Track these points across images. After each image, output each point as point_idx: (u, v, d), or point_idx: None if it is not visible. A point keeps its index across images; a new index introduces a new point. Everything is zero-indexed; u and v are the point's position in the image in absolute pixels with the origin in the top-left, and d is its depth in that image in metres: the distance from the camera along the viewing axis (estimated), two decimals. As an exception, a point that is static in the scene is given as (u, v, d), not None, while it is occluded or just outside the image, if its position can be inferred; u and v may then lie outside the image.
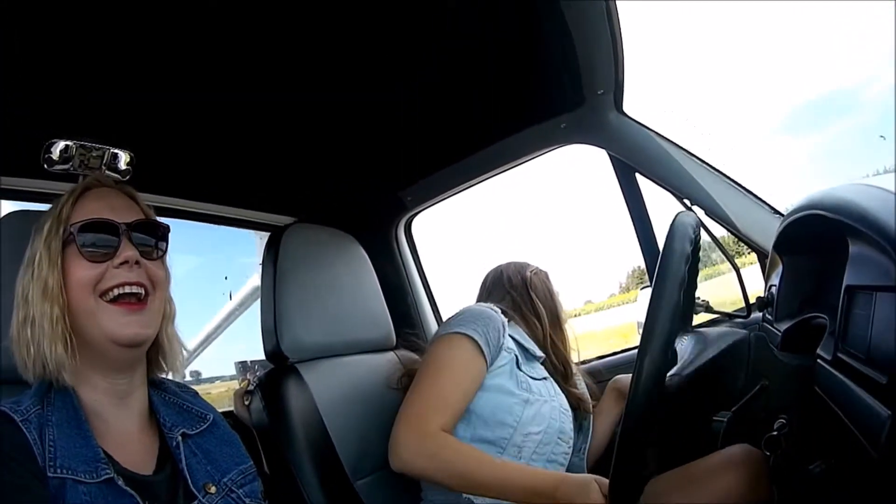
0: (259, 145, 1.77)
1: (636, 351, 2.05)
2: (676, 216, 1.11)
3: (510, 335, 1.62)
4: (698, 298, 1.42)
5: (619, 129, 1.86)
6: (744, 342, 1.02)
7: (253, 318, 1.71)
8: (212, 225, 2.17)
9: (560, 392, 1.64)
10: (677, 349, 1.23)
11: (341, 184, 2.15)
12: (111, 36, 1.16)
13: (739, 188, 1.79)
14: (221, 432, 1.20)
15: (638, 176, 1.90)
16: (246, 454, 1.21)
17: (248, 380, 1.67)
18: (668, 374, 0.97)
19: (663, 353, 0.90)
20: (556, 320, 1.76)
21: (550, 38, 1.46)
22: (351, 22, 1.29)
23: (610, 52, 1.57)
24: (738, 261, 1.65)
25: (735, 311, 1.70)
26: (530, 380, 1.57)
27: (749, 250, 1.75)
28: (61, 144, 1.31)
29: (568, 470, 1.57)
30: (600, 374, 1.98)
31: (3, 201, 1.55)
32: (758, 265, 1.74)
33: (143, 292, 1.05)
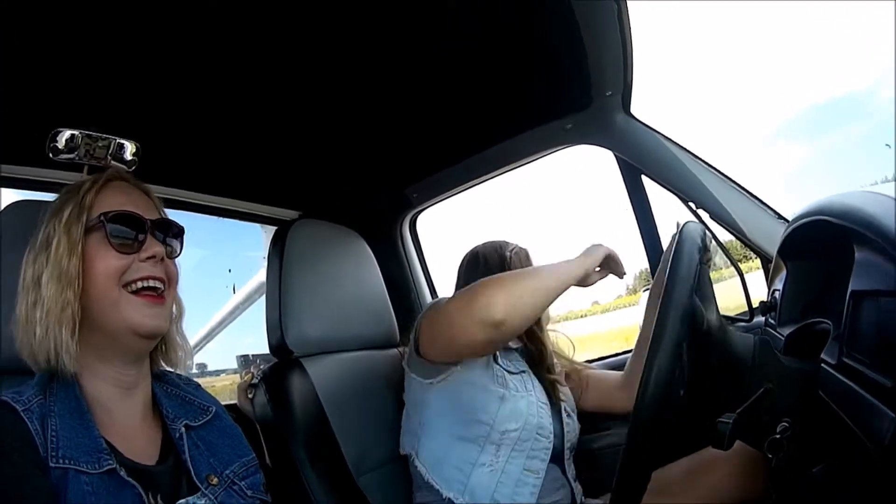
0: (266, 139, 1.77)
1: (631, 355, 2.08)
2: (685, 224, 1.11)
3: None
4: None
5: (626, 131, 1.86)
6: (748, 345, 1.02)
7: (262, 312, 1.71)
8: (216, 217, 2.17)
9: (538, 385, 1.63)
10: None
11: (347, 179, 2.16)
12: (120, 25, 1.16)
13: (744, 192, 1.79)
14: (223, 424, 1.21)
15: (644, 178, 1.90)
16: (248, 447, 1.22)
17: (252, 373, 1.68)
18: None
19: (671, 363, 0.90)
20: None
21: (560, 38, 1.46)
22: (360, 17, 1.29)
23: (619, 54, 1.57)
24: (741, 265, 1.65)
25: (738, 315, 1.70)
26: (506, 374, 1.56)
27: (752, 256, 1.76)
28: (67, 133, 1.31)
29: (553, 459, 1.56)
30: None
31: (3, 189, 1.55)
32: (759, 271, 1.74)
33: (162, 287, 1.08)
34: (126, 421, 1.06)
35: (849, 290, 0.78)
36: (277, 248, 1.71)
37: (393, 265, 2.40)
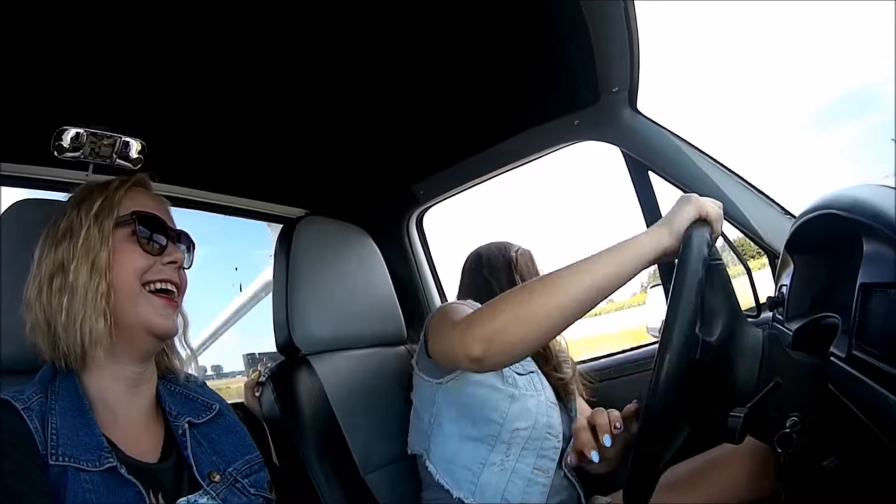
0: (272, 136, 1.77)
1: (635, 352, 2.08)
2: (692, 225, 1.11)
3: None
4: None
5: (633, 127, 1.87)
6: (757, 340, 1.02)
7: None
8: (222, 215, 2.17)
9: (547, 385, 1.62)
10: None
11: (354, 176, 2.16)
12: (125, 23, 1.17)
13: (751, 188, 1.79)
14: (227, 422, 1.22)
15: (650, 174, 1.90)
16: (252, 444, 1.23)
17: (260, 371, 1.68)
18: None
19: (680, 360, 0.90)
20: None
21: (567, 34, 1.46)
22: (366, 13, 1.29)
23: (626, 50, 1.57)
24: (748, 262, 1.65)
25: (745, 310, 1.70)
26: (515, 374, 1.55)
27: (759, 252, 1.75)
28: (72, 132, 1.32)
29: (562, 458, 1.55)
30: (605, 373, 2.00)
31: (3, 188, 1.55)
32: (766, 269, 1.74)
33: (175, 291, 1.12)
34: (129, 419, 1.07)
35: (858, 283, 0.78)
36: (284, 246, 1.71)
37: (399, 262, 2.40)
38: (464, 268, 1.86)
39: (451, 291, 2.51)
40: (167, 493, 1.01)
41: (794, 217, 1.50)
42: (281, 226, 1.85)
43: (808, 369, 0.94)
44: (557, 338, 1.72)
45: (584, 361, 2.14)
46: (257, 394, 1.64)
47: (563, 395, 1.66)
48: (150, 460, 1.04)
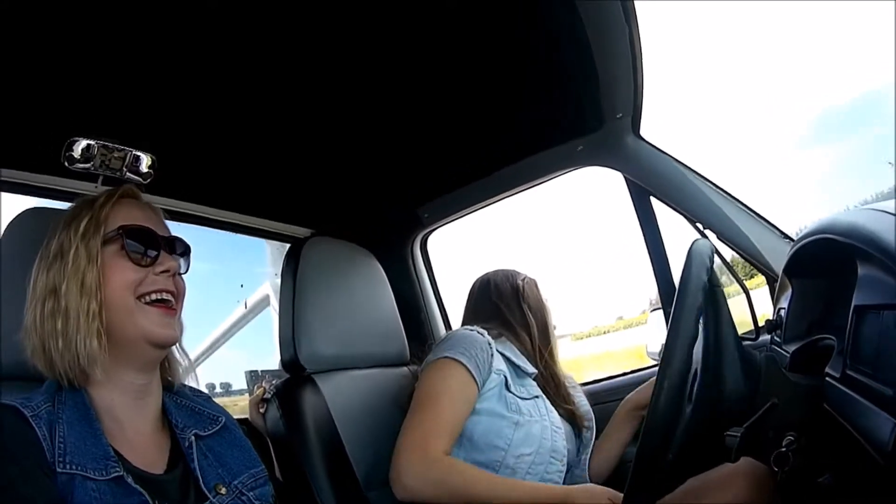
0: (280, 156, 1.80)
1: (633, 375, 2.08)
2: (693, 244, 1.13)
3: (500, 352, 1.62)
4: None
5: (636, 153, 1.89)
6: (755, 362, 1.04)
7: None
8: (218, 231, 2.18)
9: (552, 409, 1.64)
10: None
11: (360, 198, 2.18)
12: (141, 38, 1.19)
13: (751, 213, 1.81)
14: (233, 436, 1.23)
15: (652, 200, 1.92)
16: (257, 458, 1.23)
17: (265, 388, 1.69)
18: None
19: (681, 380, 0.91)
20: (546, 331, 1.75)
21: (571, 61, 1.49)
22: (374, 38, 1.32)
23: (630, 76, 1.60)
24: (746, 283, 1.66)
25: (744, 333, 1.71)
26: (519, 401, 1.57)
27: (757, 273, 1.77)
28: (83, 143, 1.32)
29: (566, 481, 1.57)
30: (599, 396, 2.01)
31: (12, 195, 1.56)
32: (764, 286, 1.75)
33: (173, 300, 1.12)
34: (135, 430, 1.08)
35: (852, 305, 0.80)
36: (291, 265, 1.72)
37: (404, 284, 2.41)
38: (471, 292, 1.88)
39: (454, 314, 2.54)
40: (173, 503, 1.02)
41: (792, 241, 1.52)
42: (281, 245, 1.87)
43: (803, 390, 0.95)
44: (564, 369, 1.76)
45: (585, 384, 2.14)
46: (262, 410, 1.65)
47: (575, 423, 1.68)
48: (156, 471, 1.05)
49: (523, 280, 1.79)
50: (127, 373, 1.07)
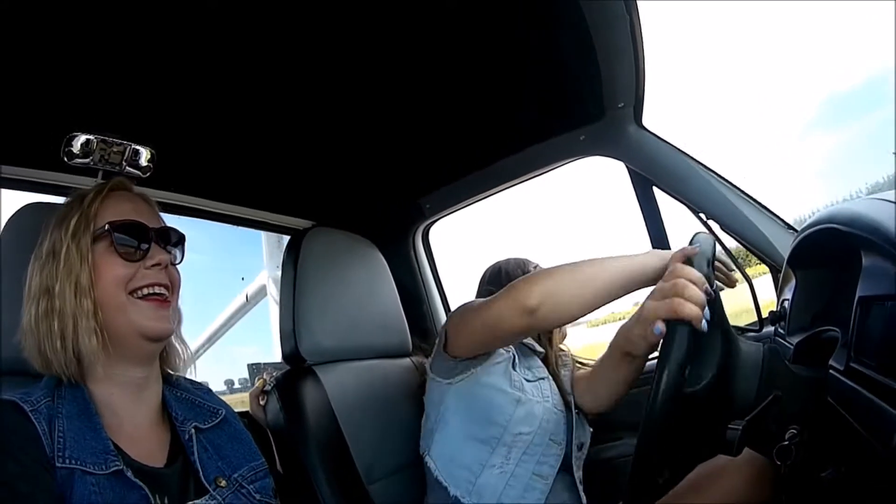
0: (280, 148, 1.79)
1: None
2: (694, 236, 1.12)
3: None
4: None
5: (638, 143, 1.87)
6: (758, 354, 1.03)
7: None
8: (214, 223, 2.16)
9: (556, 392, 1.63)
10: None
11: (361, 189, 2.18)
12: (140, 32, 1.18)
13: (754, 203, 1.79)
14: (233, 429, 1.23)
15: (655, 189, 1.91)
16: (257, 451, 1.23)
17: (265, 380, 1.69)
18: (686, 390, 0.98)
19: (679, 371, 0.91)
20: None
21: (573, 51, 1.48)
22: (375, 30, 1.31)
23: (632, 66, 1.59)
24: (748, 270, 1.65)
25: (747, 325, 1.70)
26: (524, 381, 1.56)
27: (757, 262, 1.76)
28: (82, 138, 1.32)
29: (563, 467, 1.55)
30: None
31: (4, 190, 1.54)
32: (767, 275, 1.74)
33: (166, 292, 1.11)
34: (135, 423, 1.08)
35: (856, 296, 0.79)
36: (292, 257, 1.72)
37: (405, 275, 2.41)
38: (483, 278, 1.89)
39: (456, 305, 2.52)
40: (173, 497, 1.02)
41: (796, 231, 1.51)
42: (275, 237, 1.86)
43: (806, 382, 0.94)
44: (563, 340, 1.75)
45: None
46: (262, 402, 1.65)
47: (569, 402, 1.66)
48: (156, 465, 1.05)
49: (534, 268, 1.79)
50: (125, 367, 1.07)
